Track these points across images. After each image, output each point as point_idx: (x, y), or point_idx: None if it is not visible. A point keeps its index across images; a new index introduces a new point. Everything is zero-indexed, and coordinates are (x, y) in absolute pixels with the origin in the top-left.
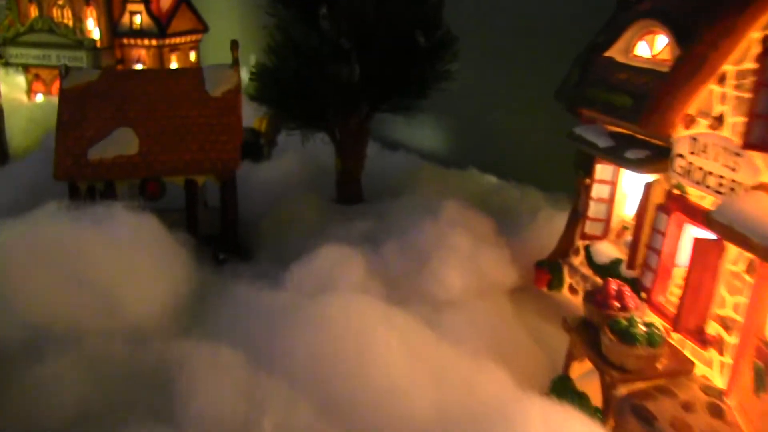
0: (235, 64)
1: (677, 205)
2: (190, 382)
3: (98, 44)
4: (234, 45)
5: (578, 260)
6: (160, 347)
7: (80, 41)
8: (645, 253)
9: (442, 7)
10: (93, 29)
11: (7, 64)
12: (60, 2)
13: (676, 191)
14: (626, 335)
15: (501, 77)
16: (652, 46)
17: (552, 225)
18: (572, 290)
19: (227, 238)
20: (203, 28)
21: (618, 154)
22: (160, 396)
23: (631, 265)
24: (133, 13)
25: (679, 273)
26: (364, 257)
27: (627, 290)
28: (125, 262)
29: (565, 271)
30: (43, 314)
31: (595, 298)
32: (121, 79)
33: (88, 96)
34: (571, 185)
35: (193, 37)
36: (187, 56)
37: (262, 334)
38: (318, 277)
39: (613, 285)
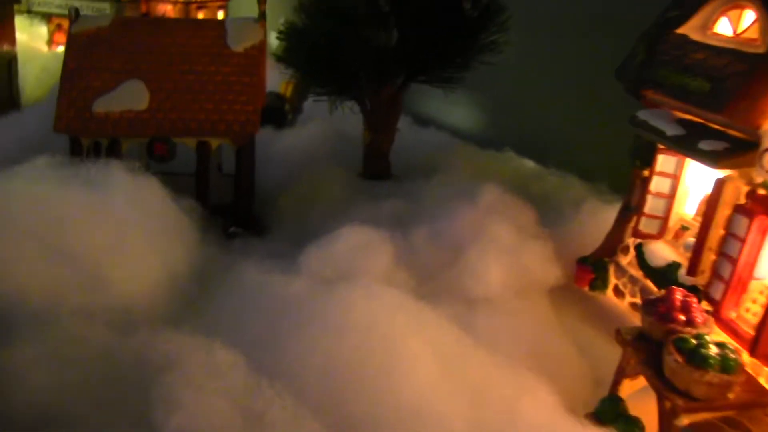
0: (262, 18)
1: (763, 207)
2: (175, 385)
3: None
4: None
5: (627, 260)
6: (146, 338)
7: None
8: (710, 258)
9: None
10: None
11: (29, 12)
12: None
13: (762, 191)
14: (696, 357)
15: (546, 53)
16: (736, 24)
17: (597, 218)
18: (618, 292)
19: (240, 210)
20: None
21: (689, 145)
22: (138, 400)
23: (692, 271)
24: None
25: (756, 287)
26: (392, 243)
27: (694, 302)
28: (116, 232)
29: (611, 270)
30: (15, 288)
31: (657, 308)
32: (135, 27)
33: (97, 43)
34: (615, 177)
35: None
36: (215, 15)
37: (269, 331)
38: (338, 262)
39: (678, 294)
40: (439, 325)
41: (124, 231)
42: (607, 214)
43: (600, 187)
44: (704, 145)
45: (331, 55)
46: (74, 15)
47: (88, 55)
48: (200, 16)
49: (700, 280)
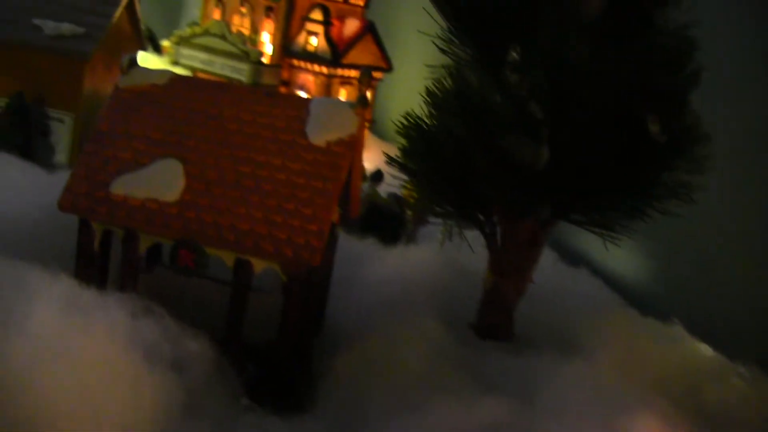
0: (361, 104)
1: None
2: None
3: (266, 60)
4: (365, 74)
5: None
6: None
7: (247, 53)
8: None
9: (695, 85)
10: (266, 43)
11: (176, 64)
12: (243, 10)
13: None
14: None
15: (755, 197)
16: None
17: None
18: None
19: (274, 369)
20: (386, 67)
21: None
22: None
23: None
24: (309, 34)
25: None
26: None
27: None
28: None
29: None
30: None
31: None
32: (195, 90)
33: (144, 104)
34: None
35: (372, 74)
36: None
37: None
38: None
39: None
40: None
41: None
42: None
43: None
44: None
45: (459, 166)
46: (127, 65)
47: (127, 116)
48: (343, 92)
49: None
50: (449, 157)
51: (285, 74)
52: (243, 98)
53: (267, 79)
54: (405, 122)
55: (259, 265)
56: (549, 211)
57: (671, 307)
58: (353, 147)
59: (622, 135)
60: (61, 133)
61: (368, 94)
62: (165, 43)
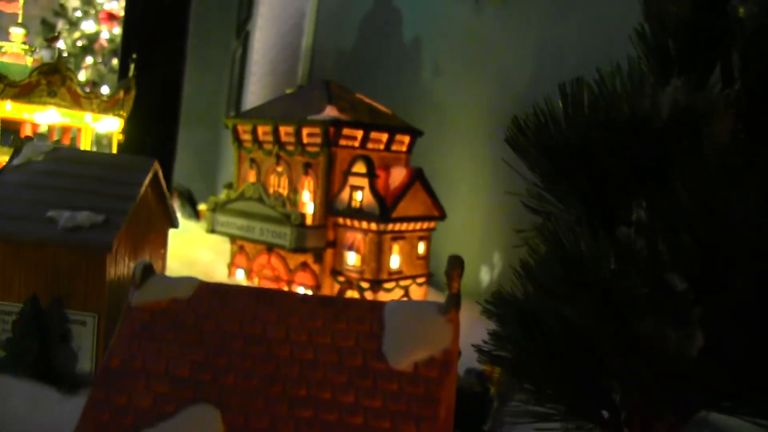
0: (453, 304)
1: None
2: None
3: (308, 221)
4: (455, 265)
5: None
6: None
7: (287, 215)
8: None
9: None
10: (308, 203)
11: (213, 232)
12: (279, 169)
13: None
14: None
15: None
16: None
17: None
18: None
19: None
20: (439, 215)
21: None
22: None
23: None
24: (354, 189)
25: None
26: None
27: None
28: None
29: None
30: None
31: None
32: (229, 302)
33: (164, 327)
34: None
35: (424, 225)
36: (414, 247)
37: None
38: None
39: None
40: None
41: None
42: None
43: None
44: None
45: (572, 358)
46: (140, 276)
47: (144, 346)
48: (395, 248)
49: None
50: (558, 345)
51: (331, 235)
52: (292, 310)
53: (311, 242)
54: (495, 301)
55: None
56: (696, 403)
57: None
58: (450, 368)
59: None
60: (84, 336)
61: (423, 247)
62: (202, 206)
